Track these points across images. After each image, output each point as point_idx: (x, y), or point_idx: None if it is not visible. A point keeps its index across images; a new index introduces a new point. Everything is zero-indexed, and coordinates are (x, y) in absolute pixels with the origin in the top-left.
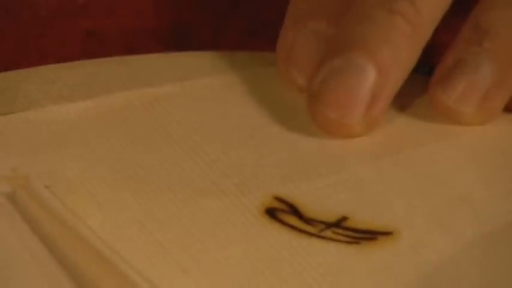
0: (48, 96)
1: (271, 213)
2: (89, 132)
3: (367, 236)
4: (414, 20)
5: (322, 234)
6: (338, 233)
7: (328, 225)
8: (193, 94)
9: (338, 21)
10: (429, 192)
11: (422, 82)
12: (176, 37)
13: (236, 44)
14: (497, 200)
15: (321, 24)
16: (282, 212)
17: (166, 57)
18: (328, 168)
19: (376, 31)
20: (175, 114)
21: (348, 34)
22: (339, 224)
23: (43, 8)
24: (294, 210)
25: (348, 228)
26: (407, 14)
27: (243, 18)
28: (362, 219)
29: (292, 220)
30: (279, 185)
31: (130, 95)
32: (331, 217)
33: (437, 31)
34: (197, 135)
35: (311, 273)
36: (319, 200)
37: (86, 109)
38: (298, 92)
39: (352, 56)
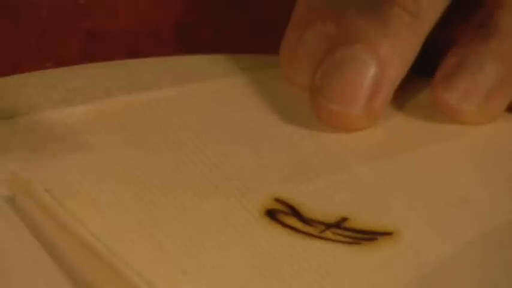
0: (49, 100)
1: (271, 214)
2: (90, 136)
3: (367, 236)
4: (413, 11)
5: (322, 235)
6: (338, 234)
7: (328, 226)
8: (194, 97)
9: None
10: (429, 193)
11: (422, 83)
12: (177, 37)
13: (237, 44)
14: (497, 200)
15: (330, 25)
16: (282, 213)
17: (167, 60)
18: (328, 169)
19: (375, 23)
20: (176, 118)
21: (348, 28)
22: (339, 224)
23: (43, 8)
24: (294, 212)
25: (348, 229)
26: (406, 5)
27: (244, 19)
28: (362, 219)
29: (293, 221)
30: (279, 186)
31: (130, 99)
32: (331, 218)
33: (437, 31)
34: (198, 138)
35: (311, 274)
36: (319, 201)
37: (86, 113)
38: (301, 90)
39: (352, 48)
